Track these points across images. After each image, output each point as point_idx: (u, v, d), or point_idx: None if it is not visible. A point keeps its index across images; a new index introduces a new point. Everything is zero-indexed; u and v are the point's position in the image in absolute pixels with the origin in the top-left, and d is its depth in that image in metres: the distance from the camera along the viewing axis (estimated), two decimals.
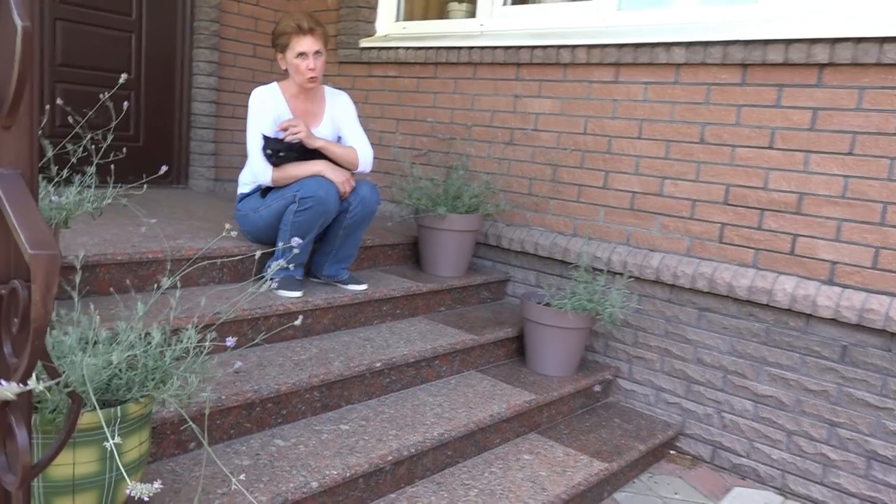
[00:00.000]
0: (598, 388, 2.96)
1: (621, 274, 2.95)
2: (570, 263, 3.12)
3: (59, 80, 3.74)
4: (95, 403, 1.16)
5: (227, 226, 1.45)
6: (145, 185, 1.90)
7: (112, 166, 1.91)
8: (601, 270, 2.99)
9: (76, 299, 1.51)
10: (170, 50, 4.18)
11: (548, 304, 2.84)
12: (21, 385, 0.97)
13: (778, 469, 2.63)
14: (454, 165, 3.43)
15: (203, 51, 4.19)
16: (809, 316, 2.54)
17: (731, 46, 2.66)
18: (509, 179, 3.40)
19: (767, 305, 2.63)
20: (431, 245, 3.21)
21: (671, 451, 2.86)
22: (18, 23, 1.01)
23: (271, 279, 2.62)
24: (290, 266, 1.75)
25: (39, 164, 2.03)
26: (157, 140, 4.17)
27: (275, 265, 1.51)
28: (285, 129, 2.58)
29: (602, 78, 3.06)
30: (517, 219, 3.37)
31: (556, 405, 2.72)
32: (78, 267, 1.60)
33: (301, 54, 2.63)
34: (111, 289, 2.31)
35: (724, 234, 2.75)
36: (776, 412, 2.63)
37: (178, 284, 2.37)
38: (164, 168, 1.78)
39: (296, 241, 1.58)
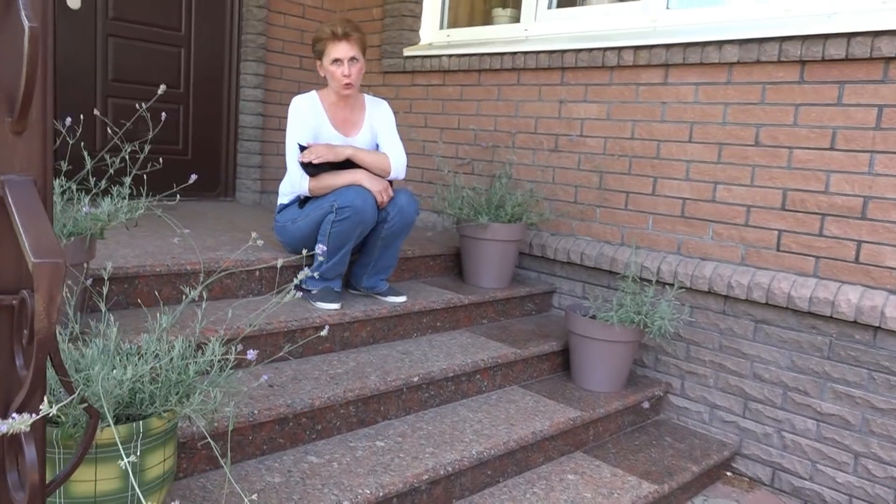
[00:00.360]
0: (647, 405, 2.82)
1: (671, 284, 2.82)
2: (618, 274, 3.01)
3: (110, 95, 3.82)
4: (111, 419, 1.12)
5: (254, 234, 1.40)
6: (178, 196, 1.88)
7: (145, 178, 1.89)
8: (650, 281, 2.87)
9: (104, 310, 1.48)
10: (218, 63, 4.24)
11: (594, 317, 2.74)
12: (31, 415, 0.93)
13: (844, 494, 2.45)
14: (497, 174, 3.37)
15: (250, 63, 4.23)
16: (877, 328, 2.36)
17: (788, 42, 2.52)
18: (554, 187, 3.32)
19: (830, 317, 2.46)
20: (473, 255, 3.16)
21: (727, 473, 2.70)
22: (26, 23, 0.98)
23: (305, 290, 2.59)
24: (316, 275, 1.70)
25: (79, 177, 2.04)
26: (204, 153, 4.23)
27: (301, 274, 1.46)
28: (308, 159, 2.55)
29: (650, 80, 2.96)
30: (562, 228, 3.29)
31: (603, 422, 2.60)
32: (106, 278, 1.58)
33: (336, 60, 2.60)
34: (150, 300, 2.31)
35: (781, 241, 2.60)
36: (841, 432, 2.46)
37: (205, 296, 2.36)
38: (193, 177, 1.75)
39: (320, 248, 1.53)
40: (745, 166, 2.69)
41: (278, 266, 1.46)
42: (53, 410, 0.80)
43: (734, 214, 2.72)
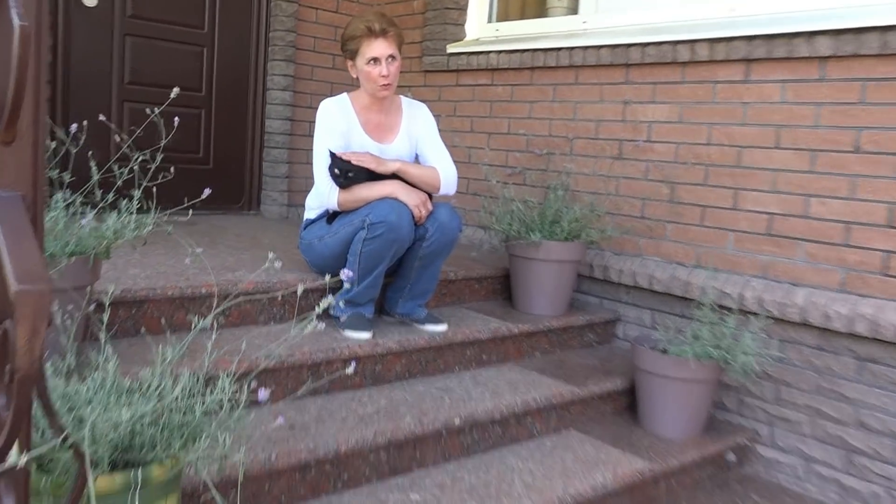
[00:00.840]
0: (732, 458, 2.70)
1: (756, 314, 2.72)
2: (693, 300, 2.92)
3: (127, 99, 3.91)
4: (106, 465, 1.10)
5: (271, 255, 1.38)
6: (191, 211, 1.87)
7: (155, 191, 1.90)
8: (730, 309, 2.77)
9: (103, 340, 1.47)
10: (243, 63, 4.31)
11: (665, 351, 2.65)
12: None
13: None
14: (552, 185, 3.32)
15: (278, 63, 4.28)
16: None
17: (892, 33, 2.41)
18: (618, 200, 3.27)
19: None
20: (525, 278, 3.11)
21: None
22: (16, 21, 0.98)
23: (333, 316, 2.57)
24: (342, 303, 1.67)
25: (85, 189, 2.06)
26: (227, 161, 4.29)
27: (324, 302, 1.42)
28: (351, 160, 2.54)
29: (728, 77, 2.89)
30: (628, 247, 3.23)
31: (677, 476, 2.50)
32: (107, 303, 1.58)
33: (372, 60, 2.59)
34: (160, 326, 2.31)
35: (889, 264, 2.47)
36: None
37: (221, 322, 2.34)
38: (206, 191, 1.75)
39: (346, 273, 1.50)
40: (844, 176, 2.58)
41: (298, 293, 1.42)
42: (23, 461, 0.77)
43: (831, 232, 2.61)
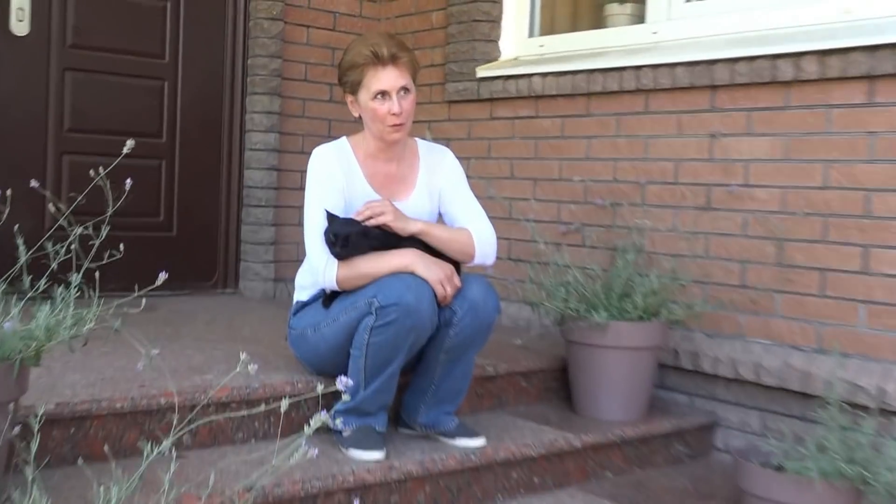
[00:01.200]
0: None
1: None
2: (815, 397, 2.88)
3: (67, 151, 4.01)
4: None
5: (243, 356, 1.39)
6: (143, 301, 1.90)
7: (97, 275, 1.93)
8: (867, 408, 2.73)
9: (30, 477, 1.48)
10: (214, 99, 4.42)
11: (780, 467, 2.61)
12: None
13: None
14: (620, 246, 3.32)
15: (259, 98, 4.39)
16: None
17: None
18: (708, 264, 3.29)
19: None
20: (588, 372, 3.11)
21: None
22: None
23: (333, 430, 2.55)
24: (339, 422, 1.66)
25: (9, 275, 2.10)
26: (195, 227, 4.36)
27: (316, 420, 1.42)
28: (364, 216, 2.57)
29: (847, 100, 2.93)
30: (724, 326, 3.24)
31: None
32: (35, 426, 1.59)
33: (380, 94, 2.63)
34: (106, 450, 2.31)
35: None
36: None
37: (178, 448, 2.34)
38: (162, 276, 1.77)
39: (343, 380, 1.50)
40: None
41: (283, 408, 1.41)
42: None
43: None
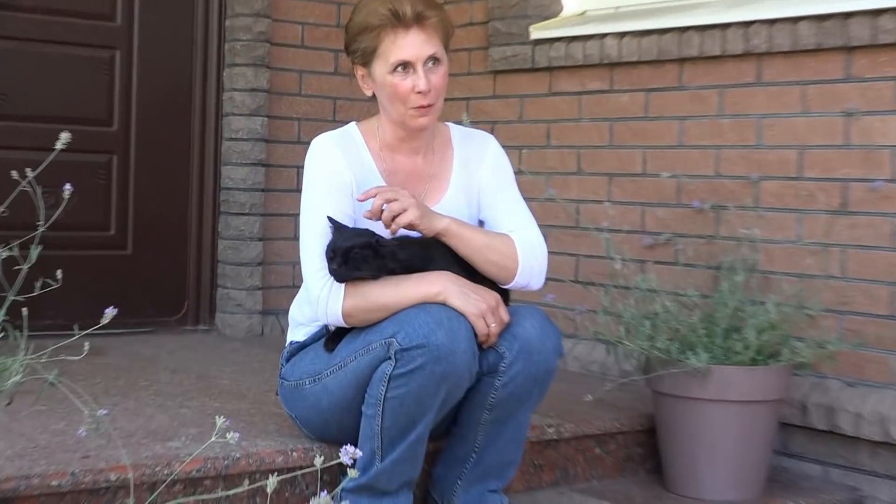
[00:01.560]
0: None
1: None
2: None
3: None
4: None
5: (220, 421, 1.36)
6: (86, 345, 1.88)
7: (24, 310, 1.92)
8: None
9: None
10: (181, 74, 4.43)
11: None
12: None
13: None
14: (725, 263, 3.31)
15: (241, 71, 4.39)
16: None
17: None
18: (846, 287, 3.30)
19: None
20: (683, 433, 3.12)
21: None
22: None
23: None
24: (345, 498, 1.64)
25: None
26: (157, 242, 4.37)
27: (317, 502, 1.39)
28: (373, 213, 2.55)
29: None
30: (869, 371, 3.25)
31: None
32: None
33: (401, 66, 2.63)
34: None
35: None
36: None
37: None
38: (109, 311, 1.75)
39: (349, 451, 1.47)
40: None
41: (269, 489, 1.38)
42: None
43: None
